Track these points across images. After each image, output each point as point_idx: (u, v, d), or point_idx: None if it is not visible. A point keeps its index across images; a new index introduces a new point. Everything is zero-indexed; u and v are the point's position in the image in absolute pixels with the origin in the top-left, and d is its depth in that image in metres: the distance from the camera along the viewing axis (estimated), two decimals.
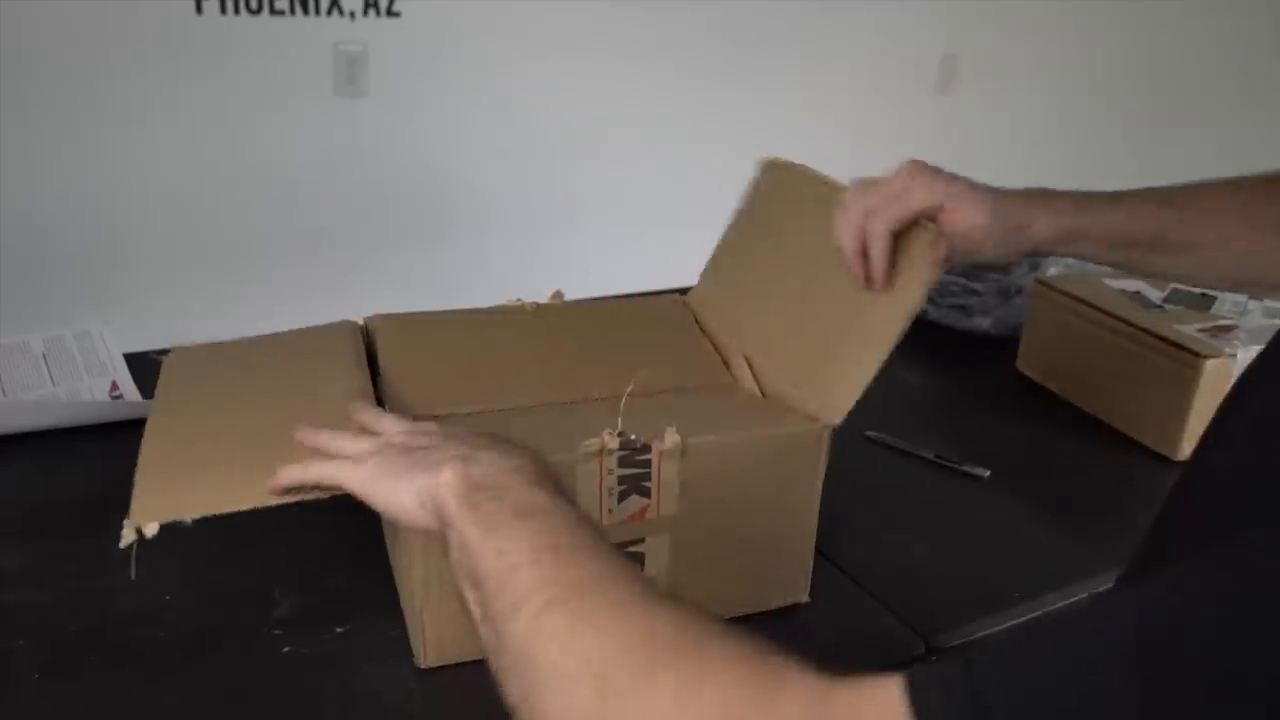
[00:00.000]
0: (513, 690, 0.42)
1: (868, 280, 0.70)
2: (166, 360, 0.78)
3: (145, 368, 1.00)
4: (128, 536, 0.56)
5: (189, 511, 0.57)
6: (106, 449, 0.90)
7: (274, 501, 0.57)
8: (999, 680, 0.32)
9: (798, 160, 0.91)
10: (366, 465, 0.53)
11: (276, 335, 0.80)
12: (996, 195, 0.72)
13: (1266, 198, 0.70)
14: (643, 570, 0.67)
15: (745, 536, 0.69)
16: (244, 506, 0.57)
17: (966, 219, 0.69)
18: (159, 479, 0.61)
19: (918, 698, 0.33)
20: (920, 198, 0.70)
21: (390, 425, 0.58)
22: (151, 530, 0.56)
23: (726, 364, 0.81)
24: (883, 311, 0.69)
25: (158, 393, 0.73)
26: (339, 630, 0.69)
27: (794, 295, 0.78)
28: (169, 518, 0.57)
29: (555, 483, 0.49)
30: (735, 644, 0.38)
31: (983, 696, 0.31)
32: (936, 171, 0.72)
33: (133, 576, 0.58)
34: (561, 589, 0.41)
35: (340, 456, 0.56)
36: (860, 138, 2.82)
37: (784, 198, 0.83)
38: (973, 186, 0.72)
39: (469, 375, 0.76)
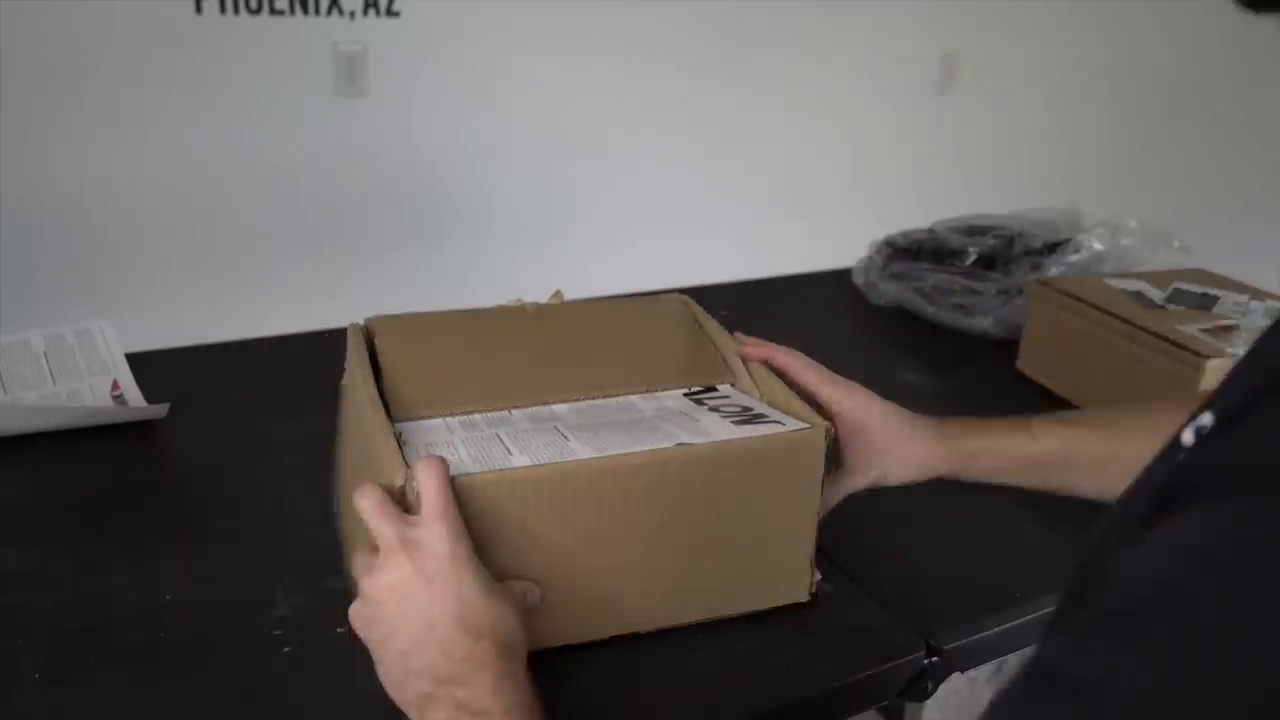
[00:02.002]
0: None
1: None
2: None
3: (146, 367, 1.00)
4: None
5: None
6: (107, 449, 0.90)
7: None
8: None
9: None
10: (357, 617, 0.58)
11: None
12: (918, 423, 0.75)
13: (1163, 407, 0.70)
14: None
15: (746, 536, 0.69)
16: None
17: (887, 442, 0.74)
18: None
19: None
20: (830, 394, 0.75)
21: (376, 524, 0.57)
22: None
23: (726, 363, 0.81)
24: None
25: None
26: (339, 630, 0.69)
27: None
28: None
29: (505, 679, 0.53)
30: None
31: None
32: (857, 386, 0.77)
33: None
34: None
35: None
36: (860, 138, 2.82)
37: None
38: (899, 412, 0.75)
39: (469, 375, 0.76)
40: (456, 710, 0.53)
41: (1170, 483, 0.35)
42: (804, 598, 0.73)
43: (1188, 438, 0.37)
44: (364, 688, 0.64)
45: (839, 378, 0.76)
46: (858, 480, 0.75)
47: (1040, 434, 0.73)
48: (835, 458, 0.74)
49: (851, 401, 0.74)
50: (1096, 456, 0.72)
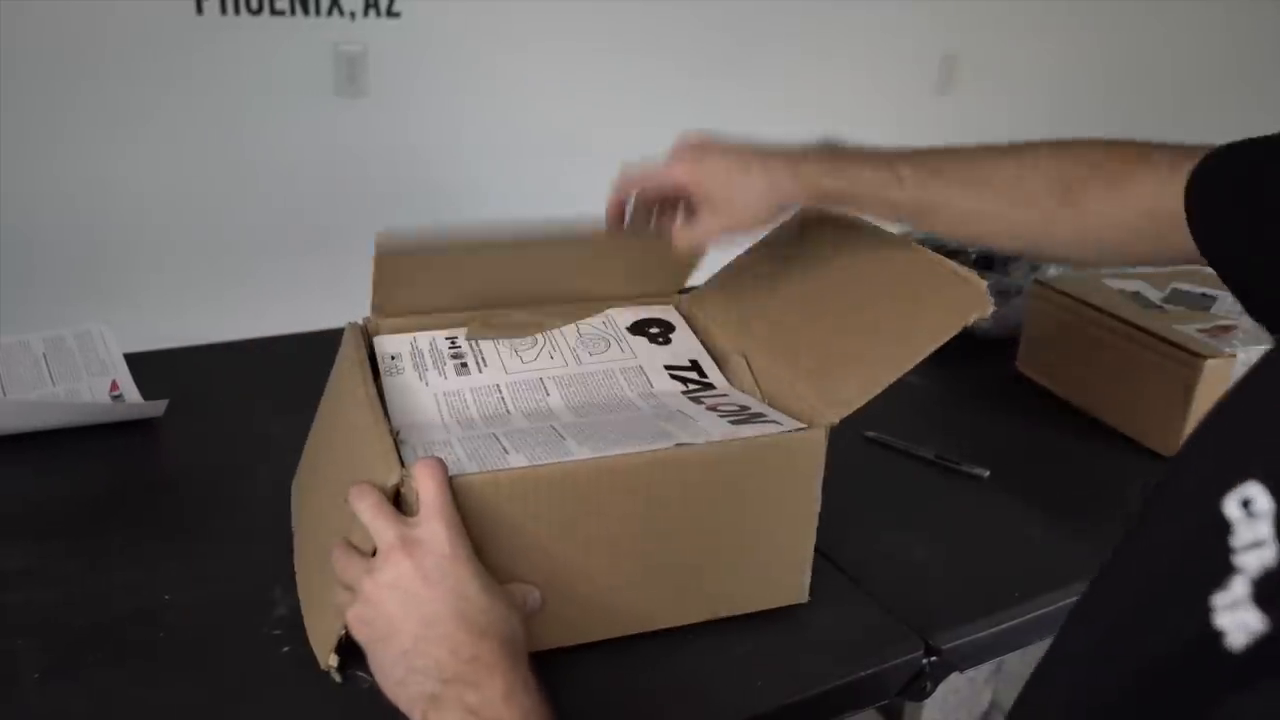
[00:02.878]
0: None
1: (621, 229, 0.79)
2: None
3: (145, 366, 1.00)
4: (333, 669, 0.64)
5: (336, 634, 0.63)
6: (107, 449, 0.91)
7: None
8: None
9: None
10: (356, 619, 0.57)
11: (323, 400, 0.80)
12: (764, 163, 0.73)
13: (1034, 168, 0.70)
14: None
15: (745, 537, 0.69)
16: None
17: (727, 194, 0.73)
18: (310, 607, 0.69)
19: None
20: (676, 173, 0.74)
21: (374, 523, 0.58)
22: (334, 661, 0.63)
23: (724, 363, 0.81)
24: (907, 337, 0.70)
25: (294, 517, 0.79)
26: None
27: (811, 307, 0.78)
28: (332, 643, 0.63)
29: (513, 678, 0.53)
30: None
31: None
32: (703, 146, 0.74)
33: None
34: None
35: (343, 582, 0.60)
36: (860, 138, 2.82)
37: (817, 233, 0.83)
38: (741, 158, 0.73)
39: (452, 281, 0.79)
40: (466, 714, 0.52)
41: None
42: (803, 599, 0.73)
43: (1233, 513, 0.32)
44: (363, 687, 0.64)
45: (684, 157, 0.75)
46: (706, 226, 0.75)
47: (908, 182, 0.71)
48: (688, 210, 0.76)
49: (694, 173, 0.74)
50: (963, 211, 0.71)
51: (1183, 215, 0.62)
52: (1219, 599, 0.31)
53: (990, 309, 0.68)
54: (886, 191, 0.71)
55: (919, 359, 0.69)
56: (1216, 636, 0.31)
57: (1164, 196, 0.63)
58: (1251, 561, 0.31)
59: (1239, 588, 0.31)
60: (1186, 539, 0.35)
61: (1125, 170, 0.67)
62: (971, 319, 0.68)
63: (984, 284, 0.69)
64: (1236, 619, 0.30)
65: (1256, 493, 0.31)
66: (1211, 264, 0.62)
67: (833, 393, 0.71)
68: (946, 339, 0.69)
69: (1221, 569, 0.31)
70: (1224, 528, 0.32)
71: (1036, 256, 0.73)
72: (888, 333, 0.72)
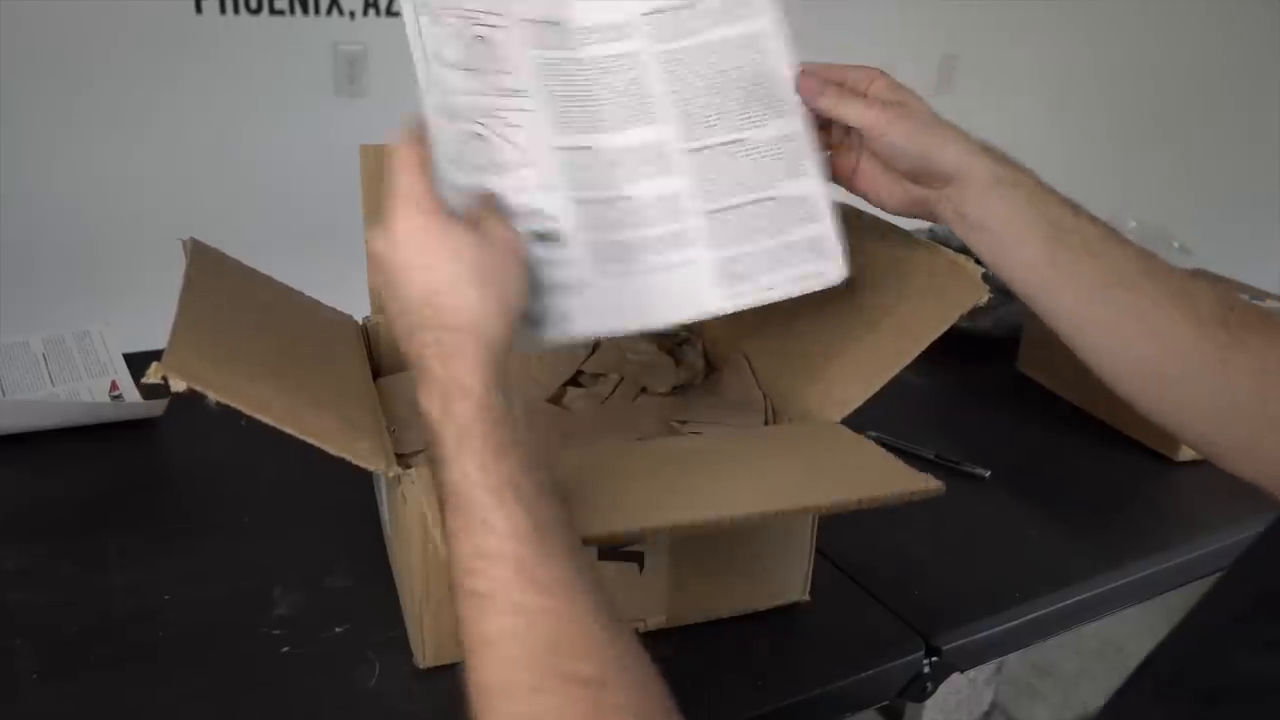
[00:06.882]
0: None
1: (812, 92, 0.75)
2: (191, 245, 0.80)
3: (145, 366, 1.00)
4: (152, 376, 0.56)
5: (217, 391, 0.57)
6: (106, 449, 0.90)
7: (292, 429, 0.58)
8: None
9: None
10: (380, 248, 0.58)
11: (288, 288, 0.80)
12: (938, 122, 0.72)
13: (1196, 281, 0.63)
14: (641, 570, 0.67)
15: (744, 535, 0.69)
16: (268, 419, 0.58)
17: (893, 121, 0.72)
18: (192, 346, 0.61)
19: None
20: (860, 74, 0.72)
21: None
22: (178, 386, 0.56)
23: (724, 363, 0.81)
24: (905, 330, 0.69)
25: (188, 270, 0.75)
26: (339, 630, 0.69)
27: (810, 304, 0.78)
28: (198, 385, 0.57)
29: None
30: None
31: None
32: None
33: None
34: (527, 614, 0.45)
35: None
36: None
37: None
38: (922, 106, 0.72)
39: None
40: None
41: None
42: (803, 597, 0.73)
43: None
44: (364, 687, 0.64)
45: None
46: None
47: (1085, 225, 0.65)
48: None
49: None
50: (1125, 302, 0.63)
51: None
52: None
53: (987, 295, 0.67)
54: (1059, 232, 0.64)
55: (918, 352, 0.68)
56: None
57: None
58: None
59: None
60: None
61: None
62: (969, 308, 0.68)
63: (979, 271, 0.68)
64: None
65: None
66: None
67: (834, 391, 0.70)
68: (944, 330, 0.68)
69: None
70: None
71: (1178, 397, 0.61)
72: (886, 327, 0.72)
